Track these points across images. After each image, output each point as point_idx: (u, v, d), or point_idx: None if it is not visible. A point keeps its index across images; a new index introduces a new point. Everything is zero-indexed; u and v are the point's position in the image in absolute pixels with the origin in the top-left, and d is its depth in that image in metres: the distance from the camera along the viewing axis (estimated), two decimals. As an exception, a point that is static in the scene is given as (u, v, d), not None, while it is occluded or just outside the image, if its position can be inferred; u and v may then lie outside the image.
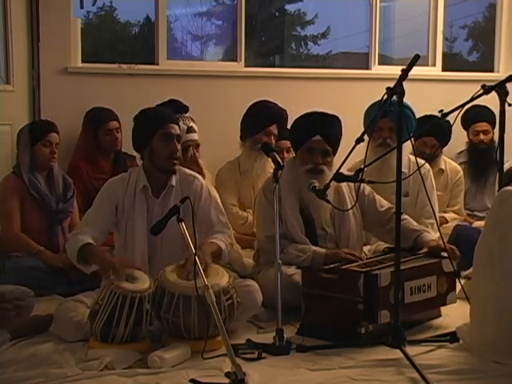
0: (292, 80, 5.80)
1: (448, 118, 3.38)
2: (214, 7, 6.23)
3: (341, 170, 3.53)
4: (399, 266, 3.17)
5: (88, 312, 3.29)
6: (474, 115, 5.16)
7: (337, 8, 6.53)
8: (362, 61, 6.28)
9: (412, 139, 3.45)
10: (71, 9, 5.10)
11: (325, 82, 5.89)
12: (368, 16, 6.17)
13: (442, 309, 3.71)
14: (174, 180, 3.65)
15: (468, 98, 3.37)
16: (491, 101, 3.54)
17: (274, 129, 4.81)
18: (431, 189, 4.42)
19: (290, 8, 6.78)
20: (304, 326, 3.49)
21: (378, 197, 4.02)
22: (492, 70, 6.66)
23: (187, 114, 4.74)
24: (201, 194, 3.68)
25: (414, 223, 3.97)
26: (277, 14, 6.86)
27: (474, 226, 4.92)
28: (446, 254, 3.64)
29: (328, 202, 3.68)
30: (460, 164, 5.29)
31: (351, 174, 3.50)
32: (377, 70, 6.15)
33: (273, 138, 4.79)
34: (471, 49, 7.38)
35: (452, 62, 6.71)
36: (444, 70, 6.44)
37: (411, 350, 3.14)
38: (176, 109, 4.37)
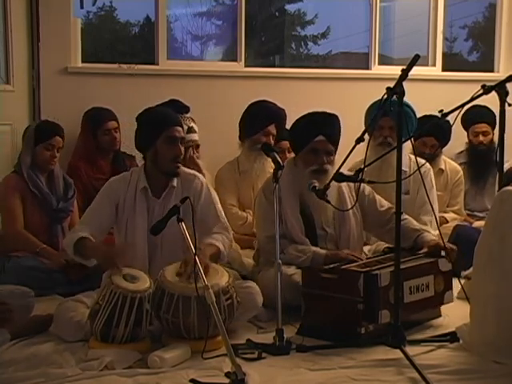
0: (292, 80, 5.80)
1: (448, 118, 3.38)
2: (213, 7, 6.23)
3: (341, 170, 3.53)
4: (399, 266, 3.17)
5: (88, 312, 3.29)
6: (474, 116, 5.16)
7: (337, 8, 6.53)
8: (361, 61, 6.28)
9: (412, 139, 3.45)
10: (71, 9, 5.10)
11: (325, 82, 5.89)
12: (368, 16, 6.17)
13: (442, 309, 3.72)
14: (175, 181, 3.65)
15: (468, 98, 3.37)
16: (491, 101, 3.54)
17: (272, 129, 4.81)
18: (430, 187, 4.42)
19: (290, 8, 6.78)
20: (304, 326, 3.49)
21: (378, 197, 4.02)
22: (492, 70, 6.67)
23: (187, 115, 4.74)
24: (201, 193, 3.67)
25: (415, 223, 3.97)
26: (277, 14, 6.86)
27: (474, 225, 4.92)
28: (445, 254, 3.65)
29: (328, 202, 3.68)
30: (460, 164, 5.29)
31: (351, 174, 3.50)
32: (377, 69, 6.15)
33: (271, 138, 4.79)
34: (471, 49, 7.38)
35: (452, 62, 6.71)
36: (444, 69, 6.44)
37: (411, 350, 3.14)
38: (177, 109, 4.37)
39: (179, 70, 5.47)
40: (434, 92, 5.97)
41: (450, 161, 5.20)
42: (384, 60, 6.30)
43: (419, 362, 3.02)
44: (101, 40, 6.01)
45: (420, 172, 3.65)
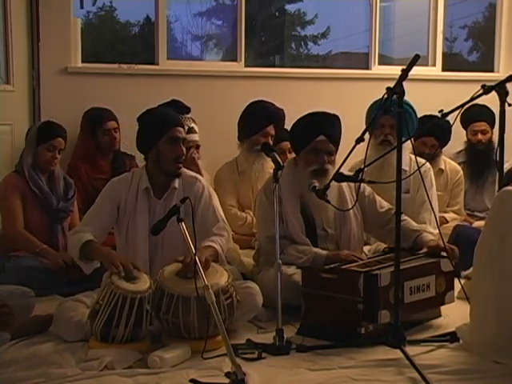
0: (292, 80, 5.80)
1: (448, 118, 3.38)
2: (213, 7, 6.23)
3: (341, 170, 3.53)
4: (399, 266, 3.17)
5: (88, 312, 3.29)
6: (473, 115, 5.15)
7: (337, 8, 6.53)
8: (361, 61, 6.28)
9: (412, 139, 3.45)
10: (71, 9, 5.10)
11: (325, 82, 5.89)
12: (368, 16, 6.17)
13: (442, 309, 3.72)
14: (177, 182, 3.65)
15: (468, 98, 3.37)
16: (491, 101, 3.54)
17: (271, 129, 4.80)
18: (430, 185, 4.42)
19: (290, 8, 6.78)
20: (304, 326, 3.49)
21: (378, 198, 4.02)
22: (492, 70, 6.66)
23: (188, 115, 4.74)
24: (202, 196, 3.68)
25: (414, 223, 3.97)
26: (277, 14, 6.86)
27: (474, 225, 4.92)
28: (445, 254, 3.64)
29: (328, 202, 3.68)
30: (459, 164, 5.28)
31: (351, 174, 3.50)
32: (377, 70, 6.15)
33: (270, 138, 4.78)
34: (471, 49, 7.38)
35: (452, 62, 6.71)
36: (444, 70, 6.44)
37: (411, 350, 3.14)
38: (178, 109, 4.36)
39: (179, 70, 5.47)
40: (434, 92, 5.97)
41: (450, 161, 5.20)
42: (384, 60, 6.30)
43: (419, 362, 3.02)
44: (101, 40, 6.01)
45: (420, 172, 3.65)
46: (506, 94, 3.35)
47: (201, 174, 4.37)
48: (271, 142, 4.70)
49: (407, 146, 3.80)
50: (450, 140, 4.98)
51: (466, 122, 5.31)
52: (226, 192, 4.77)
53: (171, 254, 3.50)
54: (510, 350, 3.06)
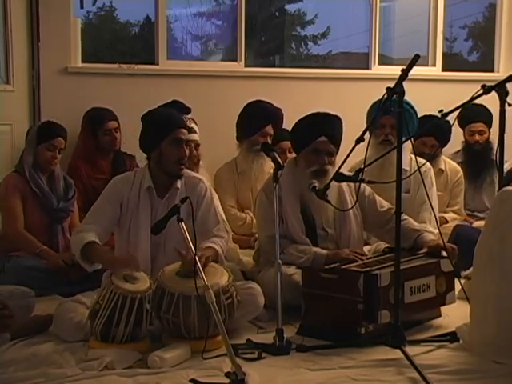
0: (292, 80, 5.80)
1: (448, 118, 3.38)
2: (213, 7, 6.23)
3: (341, 170, 3.53)
4: (399, 266, 3.17)
5: (88, 312, 3.29)
6: (470, 115, 5.14)
7: (337, 8, 6.53)
8: (362, 61, 6.28)
9: (412, 139, 3.45)
10: (71, 9, 5.10)
11: (325, 82, 5.89)
12: (368, 16, 6.17)
13: (442, 309, 3.71)
14: (179, 183, 3.65)
15: (468, 98, 3.37)
16: (491, 101, 3.54)
17: (269, 129, 4.80)
18: (430, 185, 4.42)
19: (290, 8, 6.78)
20: (304, 326, 3.49)
21: (378, 197, 4.02)
22: (492, 70, 6.67)
23: (189, 116, 4.73)
24: (204, 197, 3.68)
25: (415, 223, 3.97)
26: (277, 14, 6.86)
27: (473, 225, 4.92)
28: (445, 254, 3.64)
29: (328, 202, 3.68)
30: (456, 164, 5.28)
31: (351, 174, 3.50)
32: (377, 70, 6.15)
33: (269, 138, 4.78)
34: (471, 49, 7.38)
35: (452, 62, 6.71)
36: (444, 70, 6.44)
37: (411, 350, 3.14)
38: (178, 110, 4.33)
39: (179, 70, 5.47)
40: (434, 92, 5.97)
41: (450, 161, 5.20)
42: (384, 60, 6.30)
43: (419, 362, 3.02)
44: (101, 40, 6.01)
45: (420, 172, 3.65)
46: (506, 93, 3.35)
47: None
48: (270, 142, 4.71)
49: (407, 145, 3.80)
50: (449, 140, 4.98)
51: (463, 122, 5.30)
52: (225, 192, 4.77)
53: (173, 253, 3.50)
54: (510, 350, 3.06)
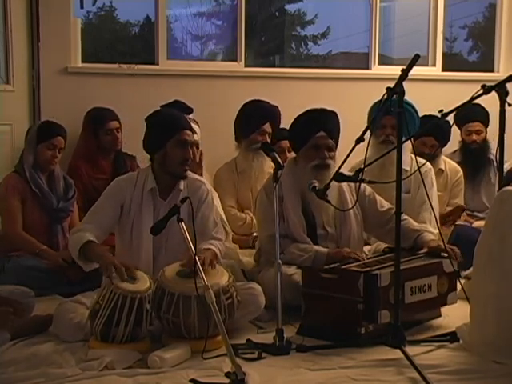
0: (292, 80, 5.80)
1: (448, 118, 3.38)
2: (213, 7, 6.23)
3: (341, 170, 3.53)
4: (399, 266, 3.17)
5: (88, 312, 3.29)
6: (467, 115, 5.13)
7: (337, 8, 6.53)
8: (362, 61, 6.28)
9: (411, 139, 3.45)
10: (71, 9, 5.10)
11: (325, 82, 5.89)
12: (368, 16, 6.17)
13: (442, 309, 3.71)
14: (182, 184, 3.66)
15: (468, 98, 3.37)
16: (491, 101, 3.54)
17: (267, 127, 4.81)
18: (430, 186, 4.42)
19: (290, 8, 6.78)
20: (304, 326, 3.49)
21: (378, 197, 4.02)
22: (492, 70, 6.67)
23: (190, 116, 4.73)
24: (205, 200, 3.69)
25: (415, 223, 3.97)
26: (277, 14, 6.86)
27: (473, 225, 4.92)
28: (446, 254, 3.64)
29: (328, 202, 3.68)
30: (454, 163, 5.29)
31: (351, 174, 3.50)
32: (377, 70, 6.15)
33: (267, 136, 4.79)
34: (471, 49, 7.38)
35: (452, 62, 6.71)
36: (444, 70, 6.44)
37: (411, 350, 3.14)
38: (180, 110, 4.35)
39: (179, 70, 5.47)
40: (434, 92, 5.97)
41: (450, 161, 5.20)
42: (384, 60, 6.30)
43: (419, 362, 3.02)
44: (101, 40, 6.01)
45: (420, 172, 3.65)
46: (506, 93, 3.35)
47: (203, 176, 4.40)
48: (269, 140, 4.71)
49: (408, 145, 3.80)
50: (449, 140, 4.98)
51: (460, 122, 5.29)
52: (225, 193, 4.78)
53: (174, 253, 3.51)
54: (510, 350, 3.06)
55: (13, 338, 3.29)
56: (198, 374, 2.96)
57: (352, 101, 5.59)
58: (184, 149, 3.60)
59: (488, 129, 5.27)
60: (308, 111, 3.95)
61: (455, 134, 5.27)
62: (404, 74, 3.08)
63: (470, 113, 5.12)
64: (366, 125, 3.40)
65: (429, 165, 4.45)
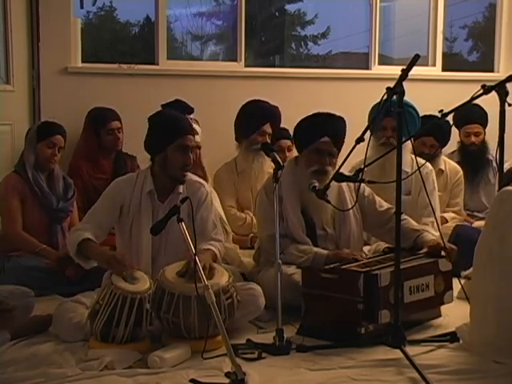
0: (292, 80, 5.80)
1: (447, 118, 3.38)
2: (213, 7, 6.23)
3: (341, 170, 3.53)
4: (399, 266, 3.17)
5: (88, 312, 3.29)
6: (465, 116, 5.12)
7: (337, 8, 6.53)
8: (362, 61, 6.28)
9: (412, 139, 3.45)
10: (71, 9, 5.10)
11: (325, 82, 5.89)
12: (368, 16, 6.18)
13: (442, 309, 3.72)
14: (181, 187, 3.65)
15: (468, 98, 3.37)
16: (491, 101, 3.54)
17: (267, 128, 4.81)
18: (432, 188, 4.42)
19: (290, 8, 6.78)
20: (304, 326, 3.49)
21: (377, 198, 4.02)
22: (492, 70, 6.67)
23: (191, 116, 4.72)
24: (204, 201, 3.69)
25: (414, 223, 3.97)
26: (277, 14, 6.86)
27: (473, 225, 4.92)
28: (445, 254, 3.64)
29: (328, 202, 3.68)
30: (452, 164, 5.29)
31: (351, 174, 3.50)
32: (377, 70, 6.15)
33: (267, 136, 4.79)
34: (471, 49, 7.38)
35: (452, 62, 6.72)
36: (444, 70, 6.45)
37: (411, 350, 3.14)
38: (181, 110, 4.35)
39: (179, 70, 5.47)
40: (434, 92, 5.97)
41: (450, 161, 5.20)
42: (384, 60, 6.30)
43: (419, 362, 3.02)
44: (101, 40, 6.01)
45: (420, 172, 3.64)
46: (506, 93, 3.35)
47: (206, 179, 4.40)
48: (269, 141, 4.71)
49: (408, 146, 3.80)
50: (449, 140, 4.99)
51: (458, 124, 5.29)
52: (225, 193, 4.78)
53: (174, 254, 3.51)
54: (510, 350, 3.06)
55: (13, 338, 3.29)
56: (198, 373, 2.96)
57: (352, 101, 5.59)
58: (185, 154, 3.59)
59: (488, 129, 5.26)
60: (316, 114, 3.93)
61: (454, 134, 5.27)
62: (404, 74, 3.08)
63: (468, 114, 5.12)
64: (366, 125, 3.40)
65: (430, 166, 4.46)
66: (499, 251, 3.10)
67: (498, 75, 6.30)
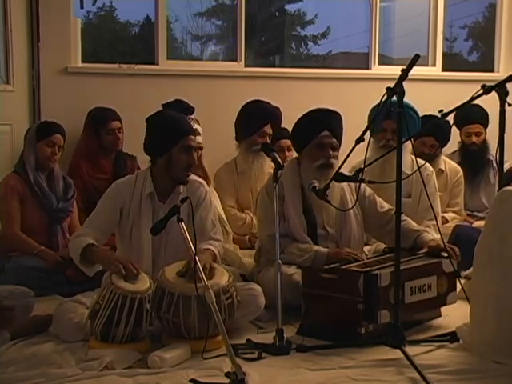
0: (292, 80, 5.80)
1: (448, 118, 3.37)
2: (213, 7, 6.23)
3: (341, 170, 3.53)
4: (399, 266, 3.17)
5: (88, 312, 3.29)
6: (466, 116, 5.12)
7: (337, 8, 6.53)
8: (362, 61, 6.28)
9: (411, 139, 3.45)
10: (71, 9, 5.10)
11: (325, 82, 5.89)
12: (368, 16, 6.18)
13: (442, 309, 3.71)
14: (181, 187, 3.66)
15: (468, 98, 3.37)
16: (491, 101, 3.54)
17: (268, 129, 4.81)
18: (433, 190, 4.41)
19: (290, 8, 6.79)
20: (304, 326, 3.49)
21: (378, 198, 4.02)
22: (492, 70, 6.67)
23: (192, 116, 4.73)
24: (203, 201, 3.69)
25: (414, 224, 3.96)
26: (277, 14, 6.86)
27: (473, 225, 4.92)
28: (445, 254, 3.64)
29: (328, 202, 3.68)
30: (453, 164, 5.29)
31: (351, 174, 3.50)
32: (377, 70, 6.15)
33: (268, 137, 4.78)
34: (471, 49, 7.38)
35: (452, 62, 6.72)
36: (444, 70, 6.45)
37: (411, 350, 3.13)
38: (182, 110, 4.35)
39: (179, 70, 5.47)
40: (434, 92, 5.97)
41: (450, 161, 5.20)
42: (384, 60, 6.30)
43: (419, 362, 3.02)
44: (101, 40, 6.01)
45: (420, 172, 3.64)
46: (506, 93, 3.35)
47: (208, 179, 4.39)
48: (269, 141, 4.71)
49: (408, 147, 3.79)
50: (449, 140, 4.98)
51: (459, 124, 5.29)
52: (225, 193, 4.78)
53: (174, 254, 3.51)
54: (510, 350, 3.06)
55: (13, 338, 3.29)
56: (198, 373, 2.96)
57: (352, 101, 5.59)
58: (189, 154, 3.59)
59: (488, 129, 5.27)
60: (312, 111, 3.95)
61: (455, 134, 5.27)
62: (404, 74, 3.08)
63: (469, 114, 5.12)
64: (366, 125, 3.40)
65: (430, 168, 4.46)
66: (499, 251, 3.10)
67: (498, 75, 6.30)
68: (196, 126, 4.56)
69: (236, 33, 5.76)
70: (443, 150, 5.15)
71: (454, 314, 3.64)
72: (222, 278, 3.33)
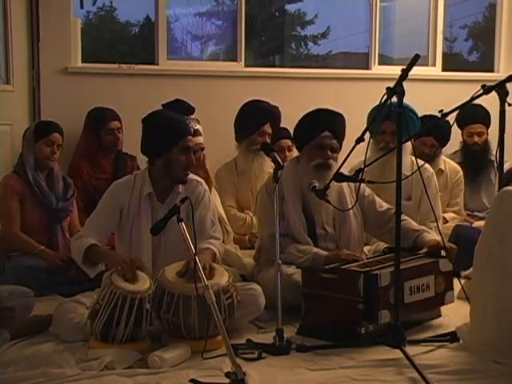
0: (292, 80, 5.80)
1: (448, 118, 3.37)
2: (213, 7, 6.23)
3: (341, 170, 3.53)
4: (399, 266, 3.17)
5: (88, 312, 3.29)
6: (468, 116, 5.11)
7: (337, 8, 6.53)
8: (362, 61, 6.28)
9: (411, 139, 3.45)
10: (71, 9, 5.10)
11: (325, 82, 5.89)
12: (368, 16, 6.18)
13: (442, 309, 3.72)
14: (180, 187, 3.66)
15: (468, 98, 3.37)
16: (491, 101, 3.54)
17: (267, 128, 4.81)
18: (434, 192, 4.40)
19: (290, 8, 6.78)
20: (304, 326, 3.49)
21: (377, 198, 4.02)
22: (492, 70, 6.67)
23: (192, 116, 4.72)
24: (202, 200, 3.69)
25: (414, 223, 3.96)
26: (277, 14, 6.86)
27: (473, 225, 4.92)
28: (445, 253, 3.64)
29: (328, 202, 3.68)
30: (455, 164, 5.29)
31: (351, 174, 3.50)
32: (377, 70, 6.15)
33: (267, 136, 4.79)
34: (471, 49, 7.38)
35: (452, 62, 6.72)
36: (444, 70, 6.45)
37: (411, 350, 3.14)
38: (182, 110, 4.35)
39: (179, 70, 5.47)
40: (434, 92, 5.97)
41: (450, 161, 5.20)
42: (384, 60, 6.30)
43: (419, 362, 3.02)
44: (101, 40, 6.01)
45: (420, 173, 3.63)
46: (506, 93, 3.35)
47: (209, 180, 4.39)
48: (269, 141, 4.71)
49: (407, 148, 3.79)
50: (449, 140, 4.98)
51: (461, 124, 5.29)
52: (225, 193, 4.78)
53: (173, 254, 3.51)
54: (510, 349, 3.06)
55: (13, 338, 3.29)
56: (198, 373, 2.96)
57: (352, 101, 5.59)
58: (188, 155, 3.60)
59: (489, 129, 5.27)
60: (315, 110, 3.95)
61: (456, 134, 5.27)
62: (404, 74, 3.08)
63: (471, 114, 5.12)
64: (365, 125, 3.40)
65: (431, 169, 4.45)
66: (499, 251, 3.10)
67: (498, 75, 6.30)
68: (197, 127, 4.55)
69: (236, 33, 5.76)
70: (444, 149, 5.16)
71: (454, 314, 3.64)
72: (222, 277, 3.33)
